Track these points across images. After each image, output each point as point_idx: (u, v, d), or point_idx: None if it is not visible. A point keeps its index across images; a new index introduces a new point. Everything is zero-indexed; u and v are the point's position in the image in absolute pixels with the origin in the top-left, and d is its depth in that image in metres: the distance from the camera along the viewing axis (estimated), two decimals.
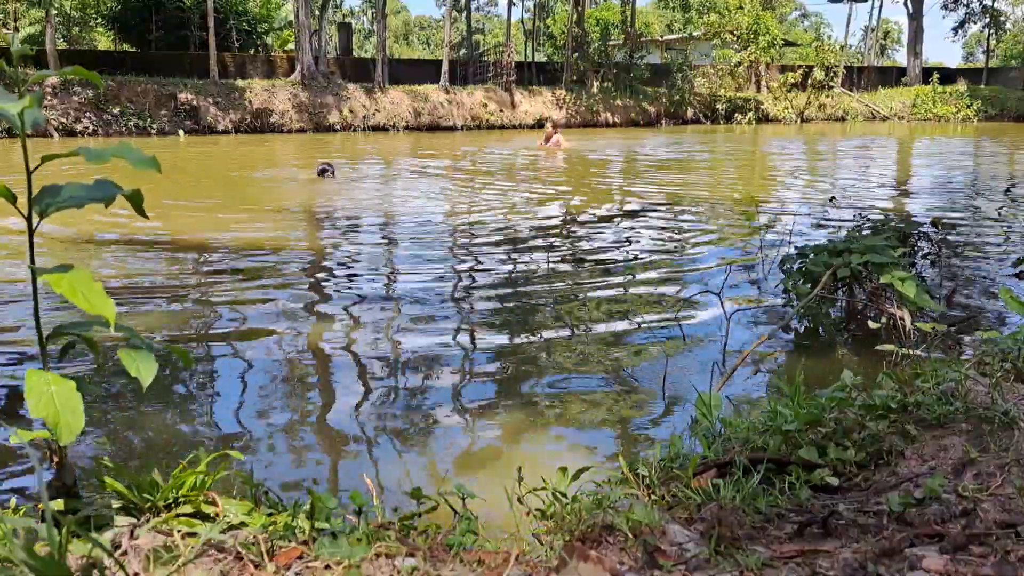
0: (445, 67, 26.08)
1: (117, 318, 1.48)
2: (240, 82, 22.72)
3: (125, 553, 1.42)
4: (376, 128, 23.35)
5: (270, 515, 1.58)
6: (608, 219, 8.18)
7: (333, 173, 10.90)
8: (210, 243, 6.43)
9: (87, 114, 19.45)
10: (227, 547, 1.44)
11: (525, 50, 33.97)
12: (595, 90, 27.92)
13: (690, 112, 29.25)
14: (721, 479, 1.83)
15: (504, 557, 1.44)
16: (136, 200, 1.61)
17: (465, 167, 13.46)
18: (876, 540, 1.50)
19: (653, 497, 1.79)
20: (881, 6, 52.39)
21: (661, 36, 35.98)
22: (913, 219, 8.04)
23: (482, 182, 11.06)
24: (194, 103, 20.90)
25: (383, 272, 5.68)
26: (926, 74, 34.98)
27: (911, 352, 3.28)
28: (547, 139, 16.12)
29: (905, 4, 37.40)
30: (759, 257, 5.51)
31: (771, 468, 1.87)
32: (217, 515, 1.59)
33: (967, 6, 42.02)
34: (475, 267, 5.80)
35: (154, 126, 20.02)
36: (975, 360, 2.62)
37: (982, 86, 34.92)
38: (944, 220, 4.70)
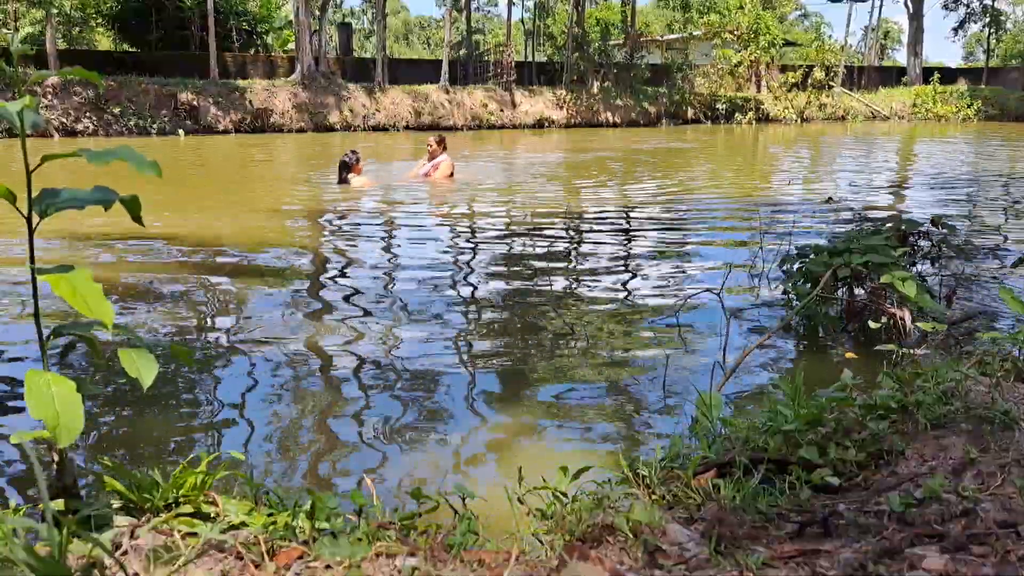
0: (445, 67, 26.06)
1: (116, 318, 1.48)
2: (240, 82, 22.72)
3: (125, 553, 1.42)
4: (376, 128, 23.35)
5: (270, 515, 1.58)
6: (608, 219, 8.17)
7: (357, 161, 9.63)
8: (210, 243, 6.43)
9: (87, 114, 19.45)
10: (228, 547, 1.44)
11: (525, 50, 33.94)
12: (595, 90, 27.91)
13: (690, 112, 29.24)
14: (721, 479, 1.83)
15: (504, 557, 1.44)
16: (133, 207, 1.61)
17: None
18: (876, 540, 1.50)
19: (653, 497, 1.79)
20: (881, 6, 52.39)
21: (661, 36, 35.95)
22: (913, 219, 8.04)
23: None
24: (194, 103, 20.89)
25: (383, 273, 5.68)
26: (926, 74, 34.96)
27: (911, 352, 3.28)
28: (430, 158, 10.34)
29: (905, 4, 37.37)
30: (759, 257, 5.51)
31: (771, 468, 1.87)
32: (217, 515, 1.59)
33: (967, 6, 41.99)
34: (474, 267, 5.80)
35: (154, 126, 20.01)
36: (975, 360, 2.61)
37: (982, 86, 34.90)
38: (944, 220, 4.69)
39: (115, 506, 1.61)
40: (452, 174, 10.33)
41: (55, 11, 21.92)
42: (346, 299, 4.84)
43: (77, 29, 28.80)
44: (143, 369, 1.55)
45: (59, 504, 1.55)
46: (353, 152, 9.84)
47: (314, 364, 3.68)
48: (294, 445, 2.83)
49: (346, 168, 9.63)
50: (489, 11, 68.79)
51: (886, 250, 3.94)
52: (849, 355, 3.70)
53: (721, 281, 4.51)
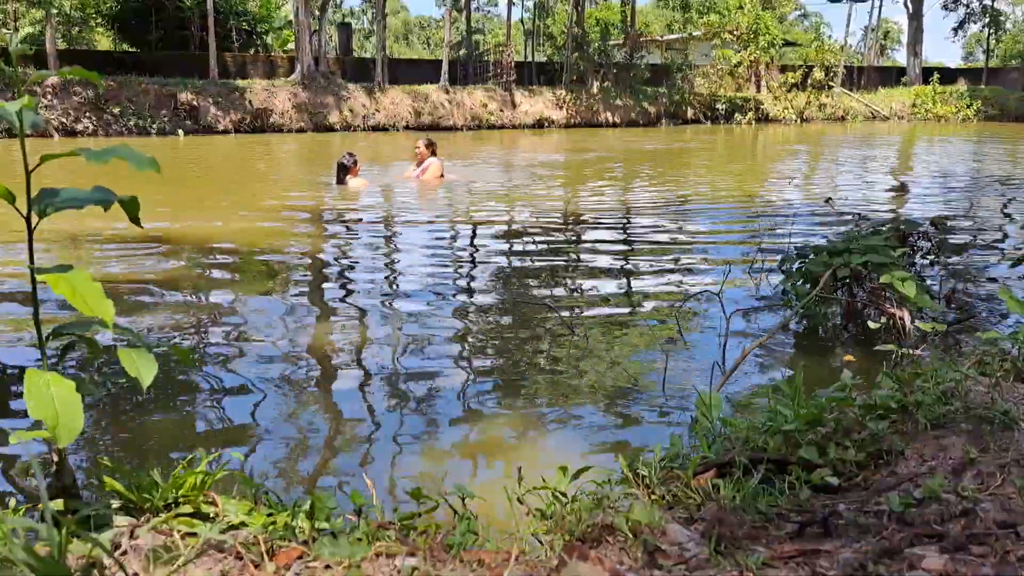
0: (445, 67, 26.06)
1: (116, 318, 1.48)
2: (240, 82, 22.71)
3: (125, 553, 1.42)
4: (376, 128, 23.34)
5: (270, 515, 1.58)
6: (607, 219, 8.17)
7: (355, 163, 9.57)
8: (210, 243, 6.42)
9: (87, 114, 19.44)
10: (227, 547, 1.44)
11: (525, 50, 33.93)
12: (595, 90, 27.92)
13: (690, 112, 29.24)
14: (721, 479, 1.83)
15: (504, 557, 1.44)
16: (132, 208, 1.61)
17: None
18: (876, 540, 1.50)
19: (653, 497, 1.79)
20: (881, 6, 52.41)
21: (661, 36, 35.95)
22: (913, 219, 8.04)
23: None
24: (194, 103, 20.89)
25: (383, 273, 5.68)
26: (926, 74, 34.96)
27: (911, 352, 3.28)
28: (419, 163, 10.27)
29: (905, 4, 37.38)
30: (759, 257, 5.51)
31: (771, 468, 1.87)
32: (217, 515, 1.59)
33: (967, 6, 41.99)
34: (474, 267, 5.80)
35: (154, 126, 20.01)
36: (975, 360, 2.62)
37: (982, 86, 34.91)
38: (943, 220, 4.69)
39: (114, 506, 1.61)
40: (442, 175, 10.26)
41: (55, 11, 21.91)
42: (345, 299, 4.84)
43: (77, 29, 28.80)
44: (143, 369, 1.56)
45: (58, 504, 1.55)
46: (350, 155, 9.80)
47: (313, 364, 3.68)
48: (294, 445, 2.83)
49: (344, 170, 9.60)
50: (489, 11, 68.79)
51: (885, 250, 3.94)
52: (848, 358, 3.70)
53: (721, 281, 4.51)
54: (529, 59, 31.71)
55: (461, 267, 5.82)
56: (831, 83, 31.27)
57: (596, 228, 7.61)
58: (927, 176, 13.10)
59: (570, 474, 1.82)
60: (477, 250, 6.45)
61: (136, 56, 23.94)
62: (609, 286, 5.21)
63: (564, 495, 1.76)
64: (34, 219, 1.58)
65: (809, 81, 30.79)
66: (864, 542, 1.50)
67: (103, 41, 31.29)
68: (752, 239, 6.66)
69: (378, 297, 4.90)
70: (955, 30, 44.33)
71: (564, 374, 3.52)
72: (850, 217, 7.50)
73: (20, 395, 3.12)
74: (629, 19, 29.90)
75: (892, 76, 37.59)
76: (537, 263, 5.89)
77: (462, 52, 29.45)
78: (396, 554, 1.44)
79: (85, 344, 1.73)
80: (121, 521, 1.53)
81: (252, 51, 28.24)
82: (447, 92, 25.33)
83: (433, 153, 10.23)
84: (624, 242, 6.85)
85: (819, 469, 1.85)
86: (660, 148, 18.43)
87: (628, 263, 5.99)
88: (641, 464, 1.92)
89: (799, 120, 30.21)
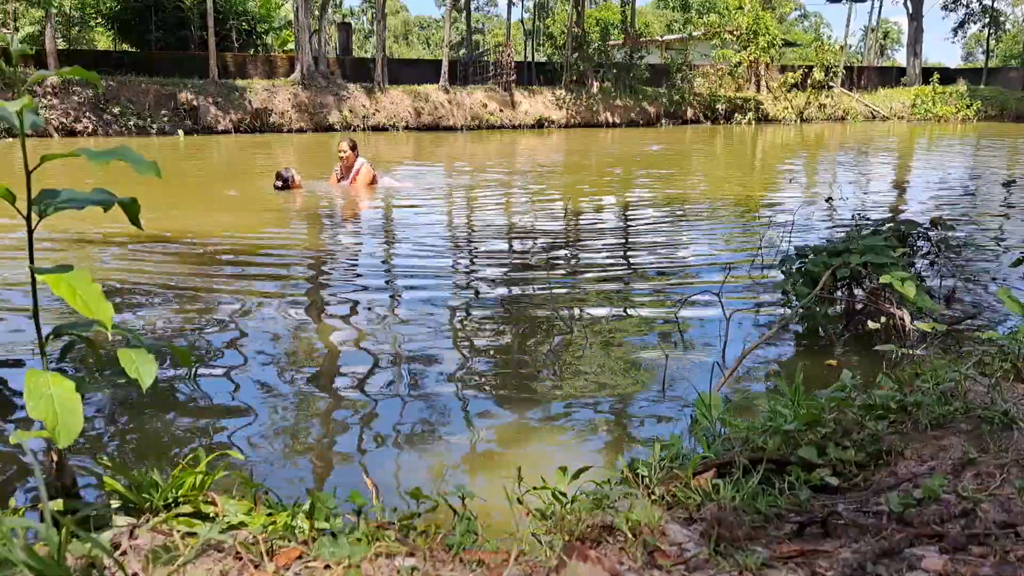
0: (445, 67, 26.08)
1: (115, 318, 1.48)
2: (240, 82, 22.72)
3: (124, 553, 1.42)
4: (376, 128, 23.35)
5: (270, 515, 1.58)
6: (607, 219, 8.17)
7: (293, 180, 9.06)
8: (210, 243, 6.42)
9: (87, 114, 19.45)
10: (227, 547, 1.44)
11: (525, 50, 33.95)
12: (595, 90, 27.93)
13: (690, 112, 29.26)
14: (721, 479, 1.83)
15: (504, 557, 1.44)
16: (131, 210, 1.61)
17: None
18: (876, 540, 1.50)
19: (653, 497, 1.79)
20: (881, 6, 52.56)
21: (661, 36, 35.95)
22: (912, 219, 8.04)
23: None
24: (194, 103, 20.90)
25: (383, 273, 5.68)
26: (926, 74, 34.98)
27: (911, 352, 3.29)
28: (347, 170, 9.38)
29: (905, 4, 37.41)
30: (759, 257, 5.51)
31: (771, 468, 1.87)
32: (217, 515, 1.59)
33: (967, 6, 42.03)
34: (474, 267, 5.80)
35: (154, 126, 20.02)
36: (975, 360, 2.62)
37: (982, 86, 34.92)
38: (943, 220, 4.69)
39: (114, 506, 1.61)
40: (374, 180, 9.52)
41: (54, 11, 21.91)
42: (344, 299, 4.84)
43: (76, 29, 28.82)
44: (142, 369, 1.56)
45: (58, 504, 1.55)
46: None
47: (313, 364, 3.68)
48: (294, 445, 2.83)
49: (285, 185, 9.09)
50: (489, 11, 68.82)
51: (885, 250, 3.94)
52: (829, 362, 3.67)
53: (721, 281, 4.51)
54: (529, 59, 31.73)
55: (460, 267, 5.82)
56: (831, 83, 31.29)
57: (596, 228, 7.61)
58: (927, 176, 13.10)
59: (570, 474, 1.82)
60: (476, 251, 6.44)
61: (136, 56, 23.96)
62: (609, 286, 5.21)
63: (564, 495, 1.76)
64: (34, 219, 1.58)
65: (809, 81, 30.81)
66: (863, 542, 1.50)
67: (103, 41, 31.32)
68: (752, 239, 6.66)
69: (377, 297, 4.90)
70: (955, 30, 44.40)
71: (564, 374, 3.52)
72: (850, 217, 7.51)
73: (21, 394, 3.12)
74: (629, 19, 29.92)
75: (892, 76, 37.61)
76: (536, 263, 5.89)
77: (462, 52, 29.47)
78: (396, 554, 1.44)
79: (85, 344, 1.73)
80: (121, 521, 1.53)
81: (252, 51, 28.26)
82: (447, 92, 25.34)
83: (357, 155, 9.48)
84: (624, 242, 6.85)
85: (818, 469, 1.85)
86: (659, 149, 18.42)
87: (628, 263, 5.99)
88: (641, 464, 1.92)
89: (799, 120, 30.21)
